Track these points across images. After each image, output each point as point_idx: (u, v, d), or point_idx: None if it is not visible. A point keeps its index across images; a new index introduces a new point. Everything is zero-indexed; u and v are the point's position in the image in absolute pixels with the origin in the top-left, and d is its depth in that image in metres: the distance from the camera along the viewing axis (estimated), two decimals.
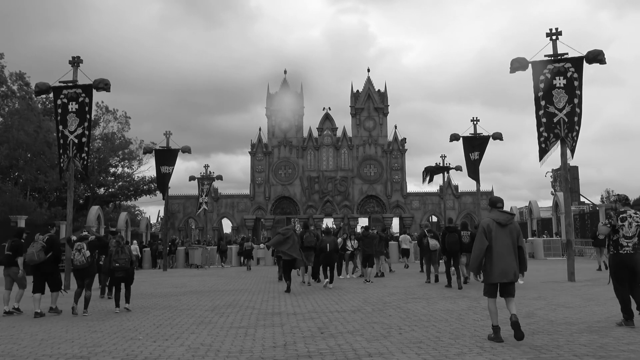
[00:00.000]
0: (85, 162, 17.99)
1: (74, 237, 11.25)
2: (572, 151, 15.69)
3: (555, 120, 15.77)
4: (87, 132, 18.06)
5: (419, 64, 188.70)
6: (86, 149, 17.95)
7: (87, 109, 18.02)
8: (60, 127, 17.93)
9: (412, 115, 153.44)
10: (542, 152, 16.05)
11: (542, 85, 16.07)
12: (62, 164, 18.12)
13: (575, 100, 15.66)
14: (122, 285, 10.66)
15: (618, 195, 7.89)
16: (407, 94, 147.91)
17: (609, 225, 7.69)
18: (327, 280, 14.94)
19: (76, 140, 17.82)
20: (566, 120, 15.64)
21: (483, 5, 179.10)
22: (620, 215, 7.61)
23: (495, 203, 7.04)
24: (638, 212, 7.69)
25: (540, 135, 16.05)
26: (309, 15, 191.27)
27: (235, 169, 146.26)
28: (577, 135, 15.65)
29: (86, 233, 11.50)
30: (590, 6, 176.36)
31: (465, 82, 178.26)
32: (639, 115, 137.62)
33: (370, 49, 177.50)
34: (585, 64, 15.99)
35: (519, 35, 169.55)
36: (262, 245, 29.87)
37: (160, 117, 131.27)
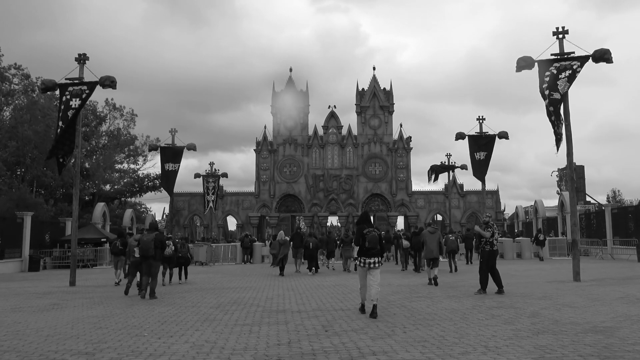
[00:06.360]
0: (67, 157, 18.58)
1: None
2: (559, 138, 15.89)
3: (559, 105, 15.86)
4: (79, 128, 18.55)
5: (411, 63, 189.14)
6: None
7: (84, 103, 18.27)
8: (60, 123, 17.87)
9: (405, 114, 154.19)
10: (559, 141, 15.96)
11: (547, 79, 16.08)
12: (61, 159, 18.21)
13: (567, 88, 15.82)
14: (184, 267, 17.39)
15: (489, 216, 13.00)
16: (399, 92, 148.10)
17: (489, 230, 12.12)
18: (312, 270, 20.23)
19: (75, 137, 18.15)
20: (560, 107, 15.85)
21: (474, 5, 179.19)
22: (494, 226, 12.42)
23: (428, 225, 16.33)
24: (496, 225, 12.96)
25: (553, 125, 15.95)
26: (299, 15, 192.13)
27: (234, 167, 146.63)
28: (560, 120, 15.83)
29: (170, 235, 19.13)
30: (580, 7, 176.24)
31: (456, 81, 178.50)
32: (633, 115, 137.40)
33: (361, 49, 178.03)
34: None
35: (509, 34, 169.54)
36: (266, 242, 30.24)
37: (152, 115, 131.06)
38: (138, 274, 13.36)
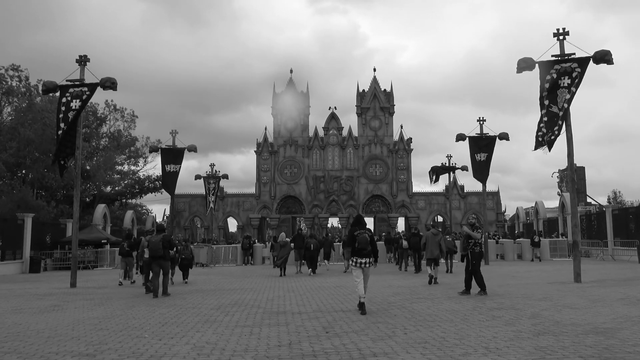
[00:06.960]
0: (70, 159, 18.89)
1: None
2: (550, 145, 15.90)
3: (556, 119, 15.80)
4: (80, 129, 18.62)
5: (410, 64, 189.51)
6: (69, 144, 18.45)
7: (85, 105, 18.34)
8: (62, 125, 17.91)
9: (405, 115, 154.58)
10: (538, 145, 16.31)
11: (547, 85, 16.03)
12: (62, 162, 18.32)
13: (567, 96, 15.74)
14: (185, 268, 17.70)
15: (476, 219, 13.92)
16: (398, 94, 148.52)
17: (479, 231, 12.65)
18: (310, 270, 20.55)
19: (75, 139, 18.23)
20: (560, 115, 15.83)
21: (473, 5, 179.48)
22: (481, 229, 13.20)
23: (430, 228, 17.26)
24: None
25: (539, 129, 16.16)
26: (298, 16, 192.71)
27: (234, 168, 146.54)
28: (559, 130, 15.79)
29: (172, 236, 18.49)
30: (577, 8, 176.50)
31: (456, 82, 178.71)
32: (633, 116, 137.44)
33: (361, 50, 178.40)
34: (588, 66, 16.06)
35: (508, 35, 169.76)
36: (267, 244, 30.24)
37: (152, 117, 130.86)
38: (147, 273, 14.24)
